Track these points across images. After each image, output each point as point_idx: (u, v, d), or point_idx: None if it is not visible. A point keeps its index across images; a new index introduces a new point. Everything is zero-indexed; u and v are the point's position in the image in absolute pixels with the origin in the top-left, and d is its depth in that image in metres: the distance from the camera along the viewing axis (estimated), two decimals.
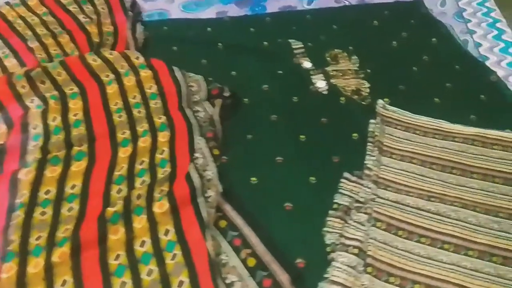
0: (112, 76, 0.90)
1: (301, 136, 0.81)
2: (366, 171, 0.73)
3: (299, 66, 0.95)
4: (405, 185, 0.71)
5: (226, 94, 0.87)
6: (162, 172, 0.74)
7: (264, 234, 0.65)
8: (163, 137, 0.80)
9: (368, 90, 0.91)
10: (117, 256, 0.63)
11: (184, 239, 0.65)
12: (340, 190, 0.71)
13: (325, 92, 0.90)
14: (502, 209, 0.68)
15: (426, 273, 0.60)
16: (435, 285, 0.59)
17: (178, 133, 0.81)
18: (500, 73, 0.95)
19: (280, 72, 0.94)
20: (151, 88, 0.89)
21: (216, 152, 0.76)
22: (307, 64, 0.96)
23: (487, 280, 0.60)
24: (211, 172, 0.71)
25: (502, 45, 1.03)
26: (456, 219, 0.66)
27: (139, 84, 0.89)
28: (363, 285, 0.58)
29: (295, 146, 0.79)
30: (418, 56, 0.98)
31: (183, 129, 0.81)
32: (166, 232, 0.65)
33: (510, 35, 1.05)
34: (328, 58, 0.98)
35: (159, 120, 0.83)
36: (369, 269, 0.60)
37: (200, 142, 0.76)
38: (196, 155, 0.74)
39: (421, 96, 0.89)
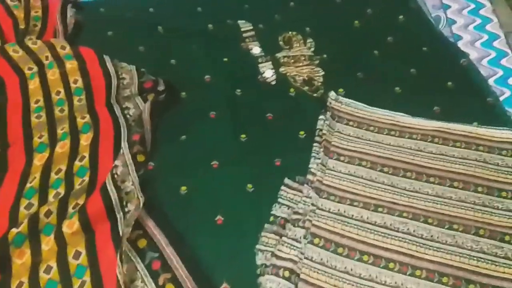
0: (35, 68, 0.80)
1: (242, 136, 0.72)
2: (309, 176, 0.65)
3: (247, 53, 0.85)
4: (351, 193, 0.63)
5: (161, 88, 0.77)
6: (80, 182, 0.66)
7: (189, 255, 0.58)
8: (85, 140, 0.71)
9: (321, 79, 0.81)
10: (20, 284, 0.56)
11: (96, 263, 0.57)
12: (279, 200, 0.63)
13: (273, 83, 0.80)
14: (457, 219, 0.60)
15: None
16: None
17: (102, 134, 0.72)
18: (474, 55, 0.84)
19: (225, 59, 0.83)
20: (76, 82, 0.79)
21: (141, 158, 0.67)
22: (256, 50, 0.85)
23: None
24: (131, 183, 0.64)
25: (478, 21, 0.92)
26: (404, 233, 0.59)
27: (64, 77, 0.79)
28: None
29: (234, 147, 0.70)
30: (382, 38, 0.87)
31: (108, 130, 0.73)
32: (77, 255, 0.58)
33: (489, 9, 0.94)
34: (281, 42, 0.87)
35: (83, 120, 0.74)
36: None
37: (123, 147, 0.68)
38: (116, 163, 0.65)
39: (381, 85, 0.79)
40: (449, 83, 0.79)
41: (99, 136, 0.72)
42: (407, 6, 0.93)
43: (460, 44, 0.87)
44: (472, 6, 0.94)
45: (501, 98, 0.77)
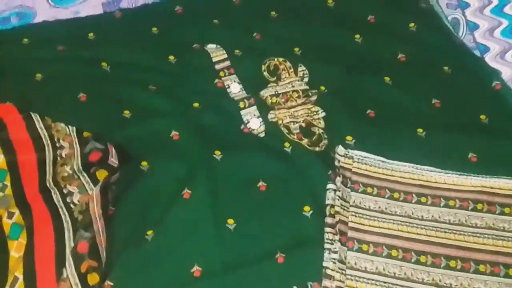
0: None
1: (229, 222, 0.54)
2: (326, 282, 0.49)
3: (223, 92, 0.65)
4: None
5: (113, 160, 0.58)
6: None
7: None
8: (16, 249, 0.51)
9: (322, 124, 0.62)
10: None
11: None
12: None
13: (262, 135, 0.62)
14: None
15: None
16: None
17: (39, 238, 0.52)
18: (506, 72, 0.68)
19: (196, 105, 0.64)
20: None
21: (93, 279, 0.49)
22: (234, 87, 0.65)
23: None
24: None
25: (505, 23, 0.74)
26: None
27: None
28: None
29: (219, 242, 0.52)
30: (392, 56, 0.68)
31: (47, 231, 0.52)
32: None
33: None
34: (266, 73, 0.68)
35: (10, 220, 0.54)
36: None
37: (66, 267, 0.49)
38: None
39: (398, 126, 0.62)
40: (483, 116, 0.63)
41: (34, 242, 0.52)
42: (417, 8, 0.75)
43: (487, 58, 0.70)
44: (495, 2, 0.77)
45: None
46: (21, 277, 0.49)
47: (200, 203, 0.55)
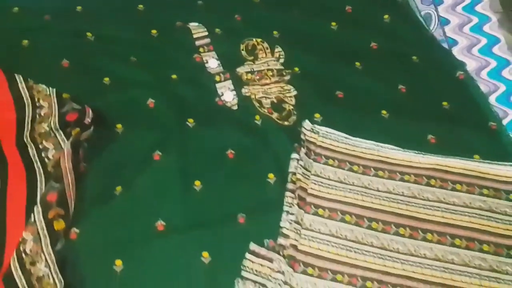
0: None
1: (196, 183, 0.57)
2: (281, 240, 0.52)
3: (201, 67, 0.68)
4: (333, 261, 0.50)
5: (88, 120, 0.61)
6: None
7: None
8: None
9: (293, 101, 0.66)
10: None
11: None
12: (243, 273, 0.50)
13: (235, 108, 0.65)
14: None
15: None
16: None
17: (12, 188, 0.55)
18: (471, 65, 0.71)
19: (174, 76, 0.67)
20: None
21: (59, 225, 0.51)
22: (212, 63, 0.68)
23: None
24: (44, 264, 0.49)
25: (475, 20, 0.79)
26: None
27: None
28: None
29: (185, 201, 0.55)
30: (365, 44, 0.72)
31: (20, 181, 0.55)
32: None
33: (487, 3, 0.79)
34: (243, 52, 0.71)
35: None
36: None
37: (34, 213, 0.52)
38: (24, 235, 0.49)
39: (364, 107, 0.65)
40: (444, 103, 0.67)
41: (6, 191, 0.54)
42: (393, 1, 0.79)
43: (455, 50, 0.74)
44: (468, 1, 0.81)
45: (504, 122, 0.65)
46: None
47: (170, 165, 0.58)
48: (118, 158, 0.58)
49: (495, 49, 0.73)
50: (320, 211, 0.54)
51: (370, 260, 0.51)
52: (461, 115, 0.65)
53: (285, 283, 0.48)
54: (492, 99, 0.67)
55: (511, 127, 0.64)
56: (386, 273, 0.50)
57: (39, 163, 0.57)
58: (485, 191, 0.56)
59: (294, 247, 0.51)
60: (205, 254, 0.51)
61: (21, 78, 0.64)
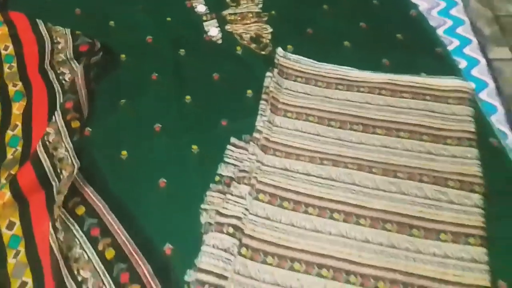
0: None
1: (187, 97, 0.69)
2: (256, 134, 0.63)
3: (191, 11, 0.81)
4: (297, 148, 0.62)
5: (97, 47, 0.73)
6: (13, 152, 0.62)
7: (129, 219, 0.56)
8: (18, 108, 0.67)
9: (269, 37, 0.78)
10: None
11: (31, 232, 0.55)
12: (225, 159, 0.62)
13: (219, 41, 0.77)
14: (402, 168, 0.60)
15: (308, 248, 0.53)
16: (317, 261, 0.52)
17: (36, 102, 0.68)
18: (423, 5, 0.83)
19: (168, 19, 0.79)
20: (7, 48, 0.73)
21: (75, 124, 0.63)
22: (201, 7, 0.81)
23: (378, 252, 0.53)
24: (64, 149, 0.60)
25: None
26: (350, 183, 0.59)
27: None
28: (235, 271, 0.51)
29: (178, 109, 0.67)
30: None
31: (42, 97, 0.68)
32: (10, 226, 0.55)
33: None
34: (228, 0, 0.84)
35: (14, 88, 0.69)
36: (243, 251, 0.52)
37: (55, 115, 0.63)
38: (48, 130, 0.61)
39: (330, 41, 0.77)
40: (398, 35, 0.78)
41: (32, 104, 0.67)
42: None
43: None
44: None
45: (449, 48, 0.77)
46: (20, 124, 0.64)
47: (165, 84, 0.70)
48: (122, 79, 0.70)
49: None
50: (289, 114, 0.66)
51: (327, 147, 0.62)
52: (412, 44, 0.76)
53: (258, 161, 0.60)
54: (440, 31, 0.79)
55: (455, 52, 0.76)
56: (341, 161, 0.61)
57: (57, 84, 0.70)
58: (427, 97, 0.68)
59: (266, 139, 0.63)
60: (194, 147, 0.63)
61: (41, 21, 0.77)
